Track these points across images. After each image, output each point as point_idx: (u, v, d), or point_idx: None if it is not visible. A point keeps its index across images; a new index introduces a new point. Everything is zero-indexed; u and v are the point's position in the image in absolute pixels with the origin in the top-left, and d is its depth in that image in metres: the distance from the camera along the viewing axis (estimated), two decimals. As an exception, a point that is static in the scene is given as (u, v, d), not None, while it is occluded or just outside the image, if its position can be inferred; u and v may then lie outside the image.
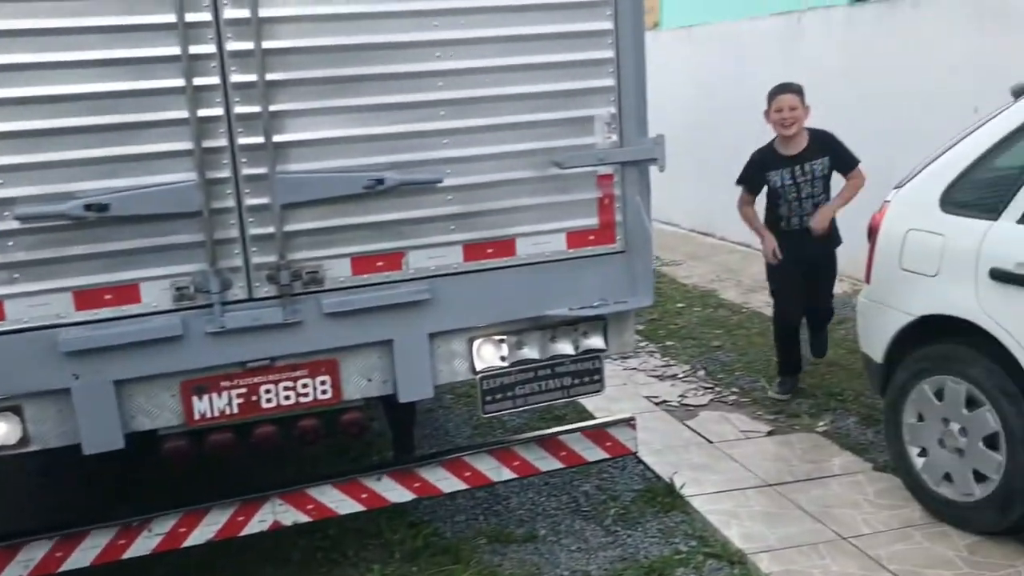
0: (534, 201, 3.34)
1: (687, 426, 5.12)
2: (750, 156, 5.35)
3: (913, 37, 7.35)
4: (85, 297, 2.93)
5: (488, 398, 3.46)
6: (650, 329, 7.04)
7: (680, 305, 7.69)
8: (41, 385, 2.93)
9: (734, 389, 5.67)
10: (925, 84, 7.15)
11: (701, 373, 6.01)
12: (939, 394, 3.85)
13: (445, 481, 3.54)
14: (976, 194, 3.81)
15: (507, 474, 3.63)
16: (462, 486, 3.58)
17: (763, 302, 7.61)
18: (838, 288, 8.00)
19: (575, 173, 3.36)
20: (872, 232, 4.21)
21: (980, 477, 3.70)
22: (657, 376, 6.00)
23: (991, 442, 3.64)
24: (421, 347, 3.30)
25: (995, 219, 3.62)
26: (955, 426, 3.78)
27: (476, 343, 3.41)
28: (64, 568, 3.15)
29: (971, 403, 3.71)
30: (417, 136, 3.16)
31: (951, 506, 3.85)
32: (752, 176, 5.30)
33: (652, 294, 3.55)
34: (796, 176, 5.14)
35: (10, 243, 2.82)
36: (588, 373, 3.60)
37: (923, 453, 3.98)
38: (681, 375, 6.00)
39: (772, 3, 9.30)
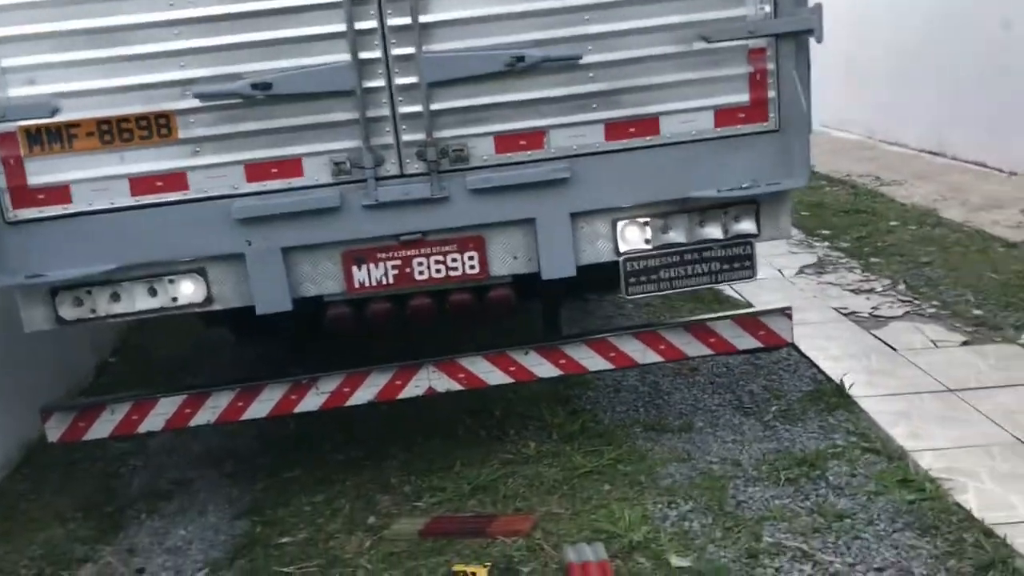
0: (679, 77, 3.27)
1: (872, 335, 4.85)
2: None
3: None
4: (255, 170, 3.25)
5: (631, 280, 3.46)
6: (855, 246, 6.68)
7: (893, 223, 7.21)
8: (219, 249, 3.29)
9: (934, 302, 5.28)
10: None
11: (901, 287, 5.64)
12: None
13: (589, 360, 3.60)
14: None
15: (652, 356, 3.62)
16: (606, 366, 3.63)
17: (989, 220, 6.98)
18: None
19: (724, 47, 3.25)
20: None
21: None
22: (852, 290, 5.70)
23: None
24: (563, 226, 3.36)
25: None
26: None
27: (620, 225, 3.42)
28: (245, 417, 3.55)
29: None
30: (558, 12, 3.18)
31: None
32: None
33: (808, 175, 3.38)
34: None
35: (191, 120, 3.17)
36: (738, 259, 3.50)
37: None
38: (879, 289, 5.66)
39: None
